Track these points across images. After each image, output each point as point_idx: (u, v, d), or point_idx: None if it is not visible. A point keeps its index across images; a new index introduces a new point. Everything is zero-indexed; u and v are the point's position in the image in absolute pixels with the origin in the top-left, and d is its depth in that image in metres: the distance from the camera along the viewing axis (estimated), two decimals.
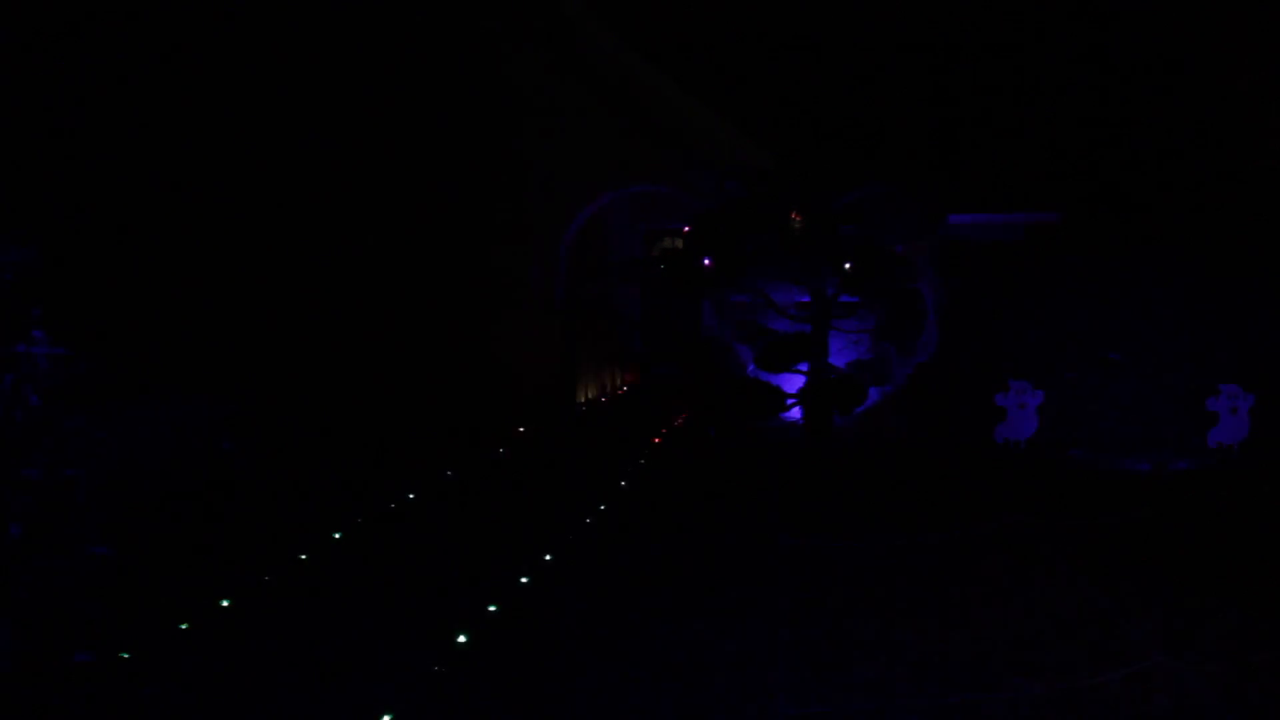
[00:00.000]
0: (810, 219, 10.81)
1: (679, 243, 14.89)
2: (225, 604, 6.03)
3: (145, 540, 7.85)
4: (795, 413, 11.54)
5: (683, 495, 9.32)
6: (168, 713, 4.74)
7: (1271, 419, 9.96)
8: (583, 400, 14.77)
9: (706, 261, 11.18)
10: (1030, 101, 13.50)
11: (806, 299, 11.29)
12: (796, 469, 10.45)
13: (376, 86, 13.47)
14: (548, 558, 6.95)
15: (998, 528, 7.79)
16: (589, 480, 9.55)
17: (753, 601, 6.17)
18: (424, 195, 13.53)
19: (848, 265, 10.93)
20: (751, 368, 11.61)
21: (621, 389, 16.89)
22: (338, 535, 7.66)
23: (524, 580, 6.46)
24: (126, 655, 5.19)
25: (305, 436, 11.15)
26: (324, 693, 4.91)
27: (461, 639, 5.37)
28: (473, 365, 13.43)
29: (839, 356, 11.44)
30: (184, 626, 5.64)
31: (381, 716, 4.53)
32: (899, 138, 13.25)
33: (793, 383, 11.51)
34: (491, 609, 5.88)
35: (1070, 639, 5.43)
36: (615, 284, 16.38)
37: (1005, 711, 4.59)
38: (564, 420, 13.47)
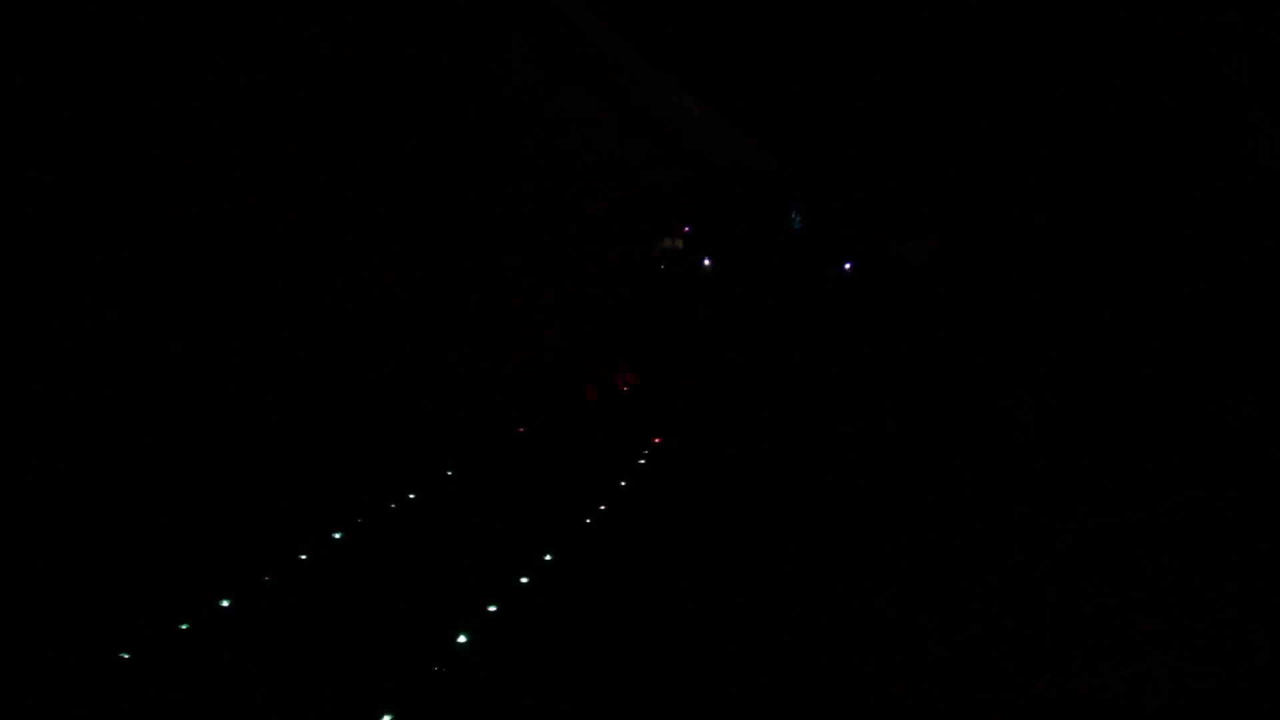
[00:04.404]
0: (810, 219, 10.82)
1: (679, 243, 14.88)
2: (225, 604, 6.03)
3: (144, 539, 7.86)
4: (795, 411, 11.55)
5: (682, 495, 9.31)
6: (168, 713, 4.73)
7: (1272, 418, 9.96)
8: (583, 400, 14.76)
9: (706, 261, 11.20)
10: (1030, 101, 13.49)
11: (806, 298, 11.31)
12: (794, 467, 10.44)
13: (376, 86, 13.46)
14: (548, 558, 6.95)
15: (999, 526, 7.79)
16: (589, 480, 9.55)
17: (749, 602, 6.16)
18: (426, 195, 13.52)
19: (848, 265, 10.95)
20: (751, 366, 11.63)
21: (622, 389, 16.88)
22: (338, 535, 7.66)
23: (524, 580, 6.46)
24: (126, 655, 5.19)
25: (305, 435, 11.15)
26: (324, 693, 4.91)
27: (461, 639, 5.36)
28: (474, 365, 13.42)
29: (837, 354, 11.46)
30: (184, 626, 5.63)
31: (382, 716, 4.52)
32: (899, 137, 13.25)
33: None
34: (491, 609, 5.87)
35: (1070, 639, 5.43)
36: (616, 284, 16.36)
37: (1004, 711, 4.59)
38: (564, 420, 13.45)
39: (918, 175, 11.77)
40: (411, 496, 8.99)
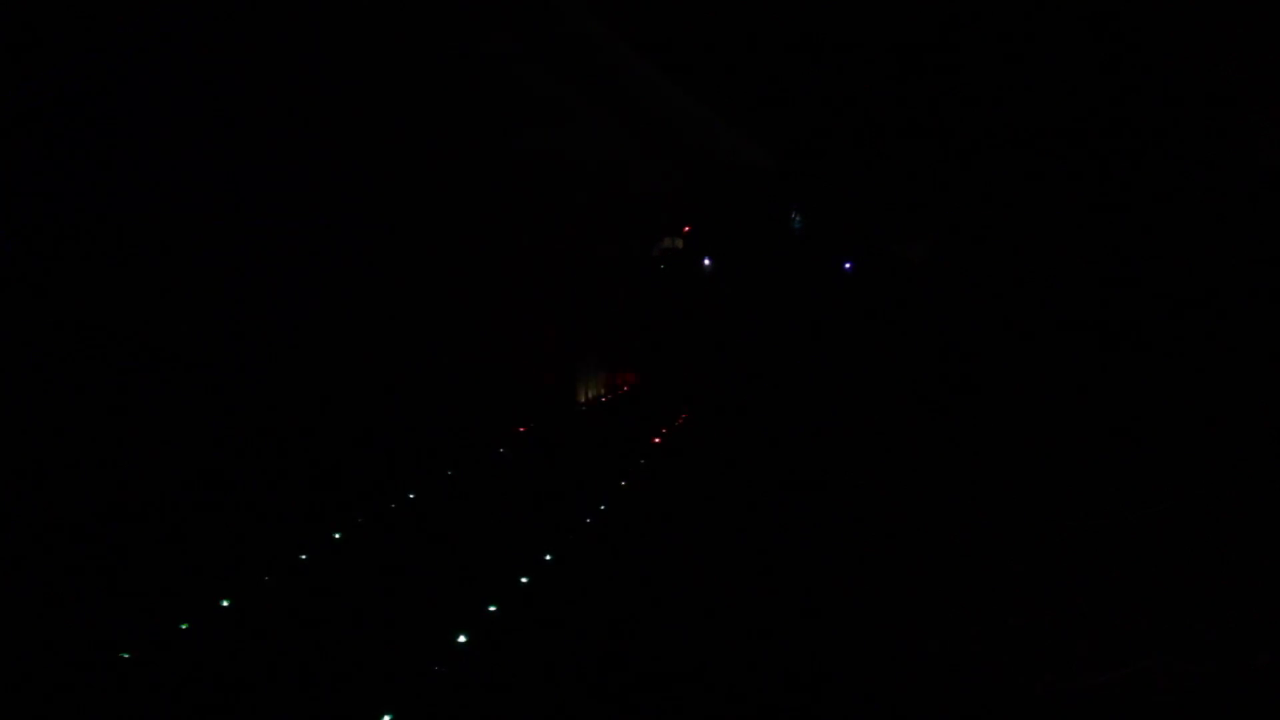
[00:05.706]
0: (810, 219, 10.83)
1: (679, 243, 14.88)
2: (225, 604, 6.03)
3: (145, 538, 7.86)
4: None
5: (680, 495, 9.31)
6: (168, 713, 4.73)
7: (1271, 419, 9.96)
8: (583, 400, 14.77)
9: (706, 261, 11.20)
10: (1030, 101, 13.49)
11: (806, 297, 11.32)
12: (793, 465, 10.44)
13: (374, 85, 13.46)
14: (548, 558, 6.95)
15: (999, 526, 7.79)
16: (589, 480, 9.55)
17: (749, 602, 6.16)
18: (426, 196, 13.53)
19: (847, 265, 10.95)
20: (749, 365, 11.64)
21: (622, 389, 16.89)
22: (338, 535, 7.66)
23: (524, 580, 6.46)
24: (126, 655, 5.19)
25: (306, 436, 11.14)
26: (324, 693, 4.90)
27: (462, 639, 5.36)
28: (473, 365, 13.42)
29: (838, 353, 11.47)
30: (184, 626, 5.63)
31: (381, 716, 4.52)
32: (899, 137, 13.25)
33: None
34: (491, 609, 5.87)
35: (1070, 639, 5.43)
36: (615, 284, 16.38)
37: (1004, 711, 4.59)
38: (564, 419, 13.46)
39: (917, 175, 11.76)
40: (411, 496, 8.99)
